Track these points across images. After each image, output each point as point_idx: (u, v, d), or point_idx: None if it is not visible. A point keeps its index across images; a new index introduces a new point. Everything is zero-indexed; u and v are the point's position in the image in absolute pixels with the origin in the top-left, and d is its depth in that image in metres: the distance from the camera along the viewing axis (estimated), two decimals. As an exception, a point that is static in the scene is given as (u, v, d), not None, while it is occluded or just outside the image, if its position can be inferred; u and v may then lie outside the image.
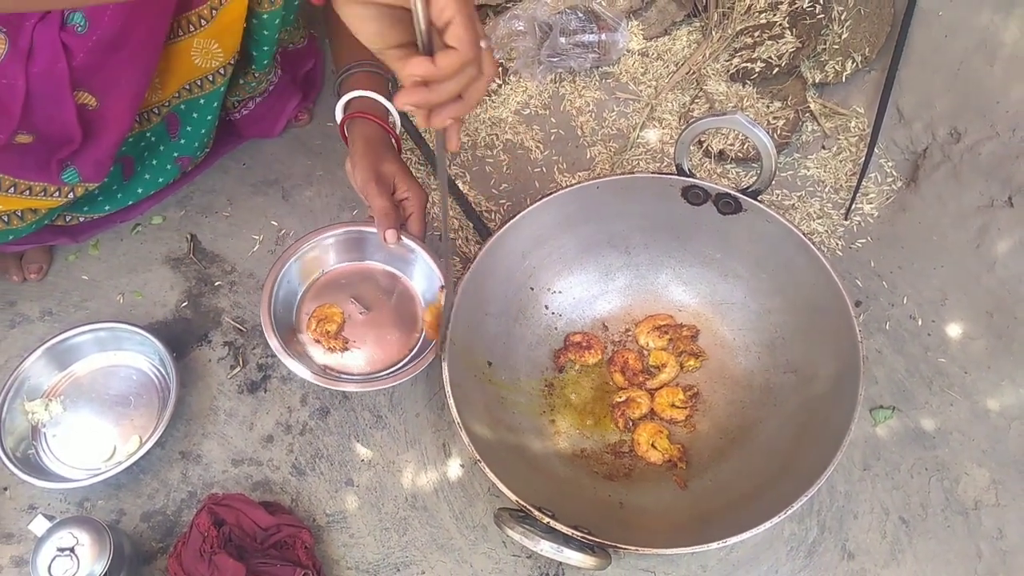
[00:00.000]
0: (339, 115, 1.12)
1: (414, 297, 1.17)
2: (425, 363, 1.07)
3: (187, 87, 1.09)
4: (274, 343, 1.07)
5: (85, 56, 0.92)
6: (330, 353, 1.13)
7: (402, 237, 1.11)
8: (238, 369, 1.19)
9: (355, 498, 1.09)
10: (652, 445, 1.07)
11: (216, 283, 1.26)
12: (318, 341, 1.13)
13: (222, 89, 1.12)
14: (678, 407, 1.09)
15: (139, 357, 1.18)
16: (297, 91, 1.34)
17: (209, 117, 1.15)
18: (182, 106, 1.13)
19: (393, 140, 1.13)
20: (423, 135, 1.37)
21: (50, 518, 0.98)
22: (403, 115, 1.34)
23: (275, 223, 1.31)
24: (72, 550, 0.94)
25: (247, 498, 1.05)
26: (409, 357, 1.12)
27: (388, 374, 1.11)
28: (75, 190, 1.06)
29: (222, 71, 1.09)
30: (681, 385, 1.11)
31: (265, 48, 1.13)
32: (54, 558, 0.94)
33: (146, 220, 1.31)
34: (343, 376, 1.11)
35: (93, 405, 1.15)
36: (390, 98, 1.11)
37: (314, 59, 1.34)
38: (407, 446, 1.13)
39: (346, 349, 1.13)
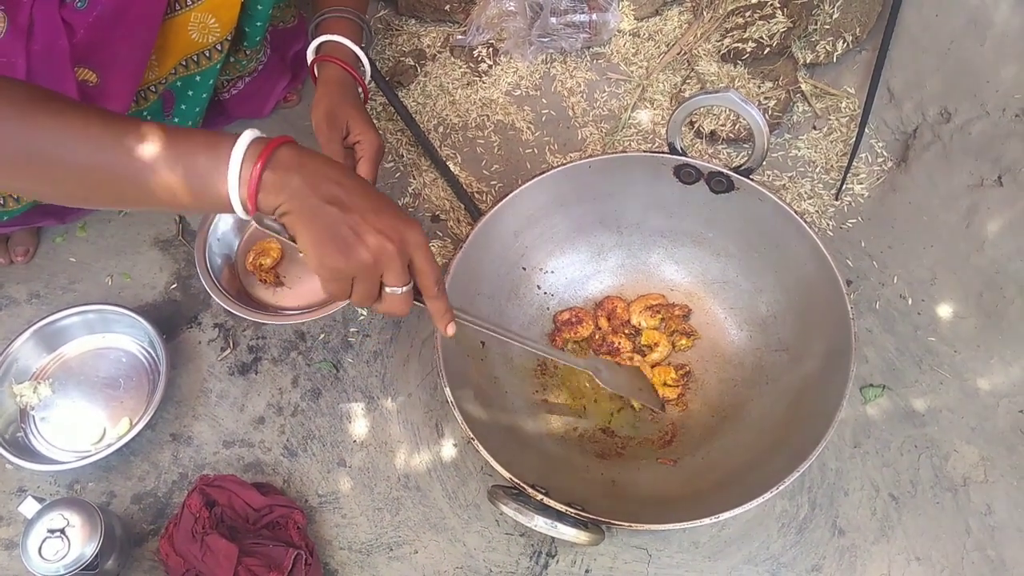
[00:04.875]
0: (310, 58, 1.11)
1: None
2: (337, 306, 1.13)
3: (183, 63, 1.08)
4: (201, 265, 1.14)
5: (85, 32, 0.91)
6: (265, 287, 1.18)
7: None
8: (229, 351, 1.18)
9: (347, 479, 1.09)
10: (664, 383, 1.09)
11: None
12: (252, 272, 1.19)
13: (218, 66, 1.11)
14: (670, 385, 1.09)
15: (128, 339, 1.18)
16: (286, 71, 1.33)
17: (204, 95, 1.14)
18: (178, 83, 1.11)
19: (360, 87, 1.12)
20: (414, 115, 1.36)
21: (40, 500, 0.97)
22: (382, 78, 1.33)
23: (265, 204, 1.30)
24: (63, 532, 0.94)
25: (239, 479, 1.05)
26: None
27: (300, 312, 1.15)
28: None
29: (219, 47, 1.08)
30: (673, 364, 1.11)
31: (258, 24, 1.12)
32: (44, 539, 0.93)
33: (134, 202, 1.30)
34: (260, 309, 1.15)
35: (82, 387, 1.14)
36: (361, 45, 1.11)
37: (303, 40, 1.33)
38: (400, 426, 1.13)
39: (280, 284, 1.18)
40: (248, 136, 0.70)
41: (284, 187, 0.69)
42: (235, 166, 0.69)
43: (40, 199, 0.76)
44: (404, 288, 0.75)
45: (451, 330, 0.82)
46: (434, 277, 0.77)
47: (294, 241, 0.73)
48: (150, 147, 0.69)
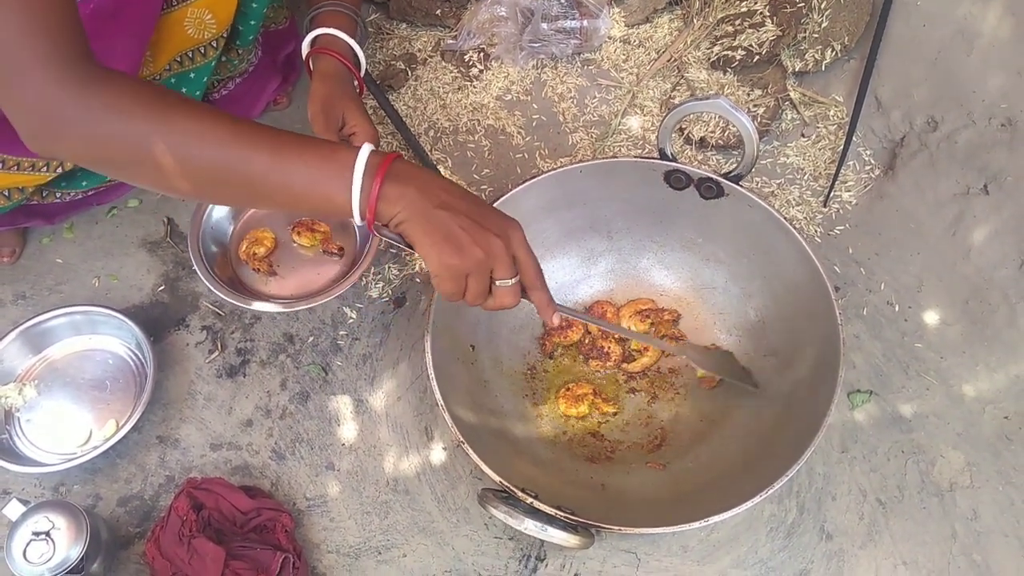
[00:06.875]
0: (305, 51, 1.11)
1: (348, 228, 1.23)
2: (328, 296, 1.12)
3: (178, 60, 1.08)
4: (195, 252, 1.14)
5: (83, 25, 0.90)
6: (258, 276, 1.19)
7: None
8: (216, 353, 1.18)
9: (336, 482, 1.09)
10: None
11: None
12: (245, 261, 1.19)
13: (213, 63, 1.11)
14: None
15: (115, 341, 1.17)
16: (277, 74, 1.33)
17: (197, 93, 1.14)
18: (172, 80, 1.11)
19: (355, 80, 1.13)
20: (404, 119, 1.36)
21: (25, 503, 0.96)
22: (373, 81, 1.33)
23: (254, 207, 1.29)
24: (48, 534, 0.93)
25: (226, 482, 1.04)
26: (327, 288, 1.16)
27: (293, 300, 1.15)
28: (64, 163, 1.04)
29: (214, 44, 1.08)
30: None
31: (252, 22, 1.12)
32: (29, 542, 0.93)
33: (122, 203, 1.29)
34: (252, 297, 1.15)
35: (68, 389, 1.14)
36: (356, 37, 1.12)
37: (294, 42, 1.33)
38: (389, 430, 1.12)
39: (272, 274, 1.19)
40: (367, 150, 0.75)
41: (401, 198, 0.74)
42: (358, 179, 0.74)
43: (160, 192, 0.80)
44: (513, 280, 0.79)
45: (556, 320, 0.85)
46: (536, 270, 0.81)
47: (411, 247, 0.77)
48: (277, 155, 0.74)
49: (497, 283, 0.79)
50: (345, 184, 0.74)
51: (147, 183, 0.78)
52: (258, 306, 1.14)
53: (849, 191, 1.31)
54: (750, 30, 1.37)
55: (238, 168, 0.74)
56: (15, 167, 1.00)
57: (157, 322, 1.20)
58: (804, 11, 1.37)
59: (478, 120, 1.40)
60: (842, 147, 1.32)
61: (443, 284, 0.78)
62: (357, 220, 0.76)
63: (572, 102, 1.42)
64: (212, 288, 1.12)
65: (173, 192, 0.78)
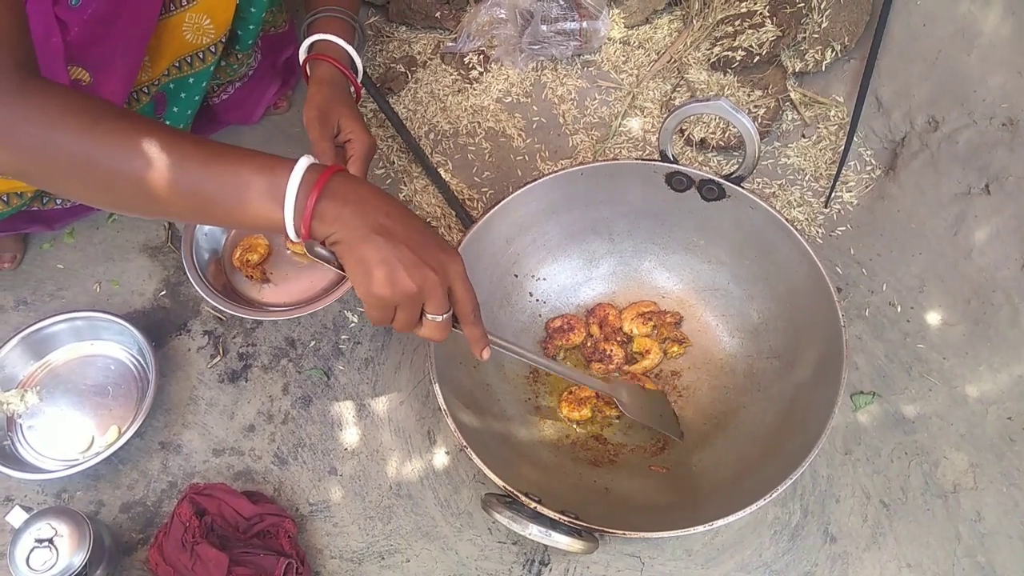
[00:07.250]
0: (302, 57, 1.11)
1: None
2: (323, 303, 1.12)
3: (177, 65, 1.08)
4: (188, 260, 1.14)
5: (80, 30, 0.90)
6: (251, 283, 1.18)
7: None
8: (218, 358, 1.18)
9: (339, 487, 1.08)
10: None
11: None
12: (239, 268, 1.18)
13: (211, 68, 1.11)
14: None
15: (117, 347, 1.17)
16: (277, 78, 1.33)
17: (196, 97, 1.14)
18: (171, 85, 1.11)
19: (352, 87, 1.12)
20: (404, 122, 1.36)
21: (28, 509, 0.96)
22: (373, 84, 1.33)
23: (255, 211, 1.29)
24: (51, 541, 0.93)
25: (229, 488, 1.04)
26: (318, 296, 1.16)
27: (287, 308, 1.15)
28: None
29: (212, 49, 1.08)
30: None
31: (251, 27, 1.12)
32: (32, 549, 0.92)
33: (123, 208, 1.29)
34: (246, 305, 1.15)
35: (70, 395, 1.13)
36: (354, 44, 1.11)
37: (294, 46, 1.33)
38: (391, 434, 1.12)
39: (266, 281, 1.18)
40: (304, 163, 0.72)
41: (337, 217, 0.72)
42: (291, 194, 0.71)
43: (96, 206, 0.77)
44: (444, 316, 0.77)
45: (486, 355, 0.84)
46: (472, 305, 0.79)
47: (342, 269, 0.75)
48: (208, 168, 0.71)
49: (427, 317, 0.77)
50: (279, 199, 0.71)
51: (79, 196, 0.75)
52: (252, 316, 1.14)
53: (850, 192, 1.31)
54: (750, 31, 1.37)
55: (170, 182, 0.70)
56: None
57: (159, 327, 1.20)
58: (804, 11, 1.36)
59: (478, 123, 1.40)
60: (843, 147, 1.32)
61: (370, 312, 0.75)
62: (293, 238, 0.73)
63: (572, 104, 1.42)
64: (205, 296, 1.11)
65: (108, 206, 0.75)
